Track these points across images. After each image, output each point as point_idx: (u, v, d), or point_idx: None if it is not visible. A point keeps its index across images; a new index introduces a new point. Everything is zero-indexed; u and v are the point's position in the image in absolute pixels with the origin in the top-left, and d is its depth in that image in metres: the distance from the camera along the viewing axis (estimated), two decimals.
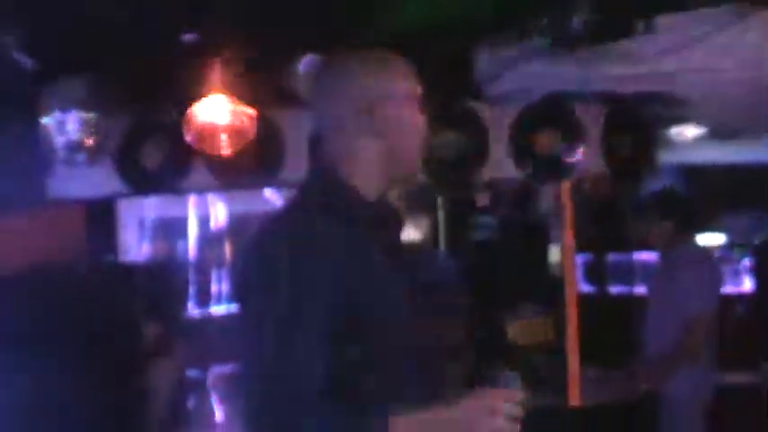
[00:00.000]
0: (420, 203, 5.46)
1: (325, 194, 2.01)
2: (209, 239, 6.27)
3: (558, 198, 4.55)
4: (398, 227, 2.16)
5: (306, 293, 1.82)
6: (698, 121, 5.45)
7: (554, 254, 4.82)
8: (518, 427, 1.79)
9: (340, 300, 1.85)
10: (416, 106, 2.05)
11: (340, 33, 3.92)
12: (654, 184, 5.05)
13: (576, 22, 3.07)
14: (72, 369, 3.63)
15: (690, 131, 5.70)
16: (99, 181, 4.22)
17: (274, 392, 1.79)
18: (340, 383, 1.84)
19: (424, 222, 5.64)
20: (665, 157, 6.47)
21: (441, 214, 5.97)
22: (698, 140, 5.84)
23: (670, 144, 5.89)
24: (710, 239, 7.45)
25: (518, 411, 1.78)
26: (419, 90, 2.06)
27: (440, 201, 5.95)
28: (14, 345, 3.64)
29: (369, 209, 2.03)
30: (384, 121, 2.00)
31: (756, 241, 7.03)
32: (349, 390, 1.86)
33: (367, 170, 2.02)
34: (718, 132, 5.80)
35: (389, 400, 1.85)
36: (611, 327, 4.70)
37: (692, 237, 4.73)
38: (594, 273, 6.21)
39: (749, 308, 6.45)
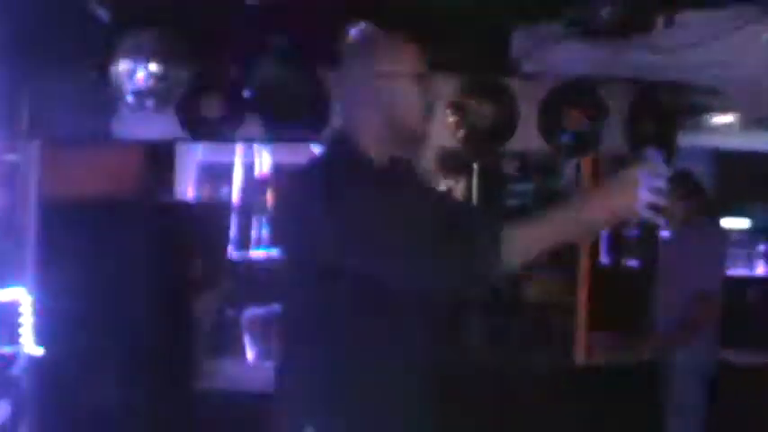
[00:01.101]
0: (455, 169, 5.71)
1: (341, 155, 2.33)
2: (252, 186, 6.55)
3: (581, 171, 4.81)
4: (413, 184, 2.41)
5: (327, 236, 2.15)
6: (730, 109, 5.67)
7: None
8: (662, 197, 1.97)
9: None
10: (418, 85, 2.28)
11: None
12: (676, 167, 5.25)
13: (602, 13, 3.34)
14: (129, 290, 4.04)
15: (723, 119, 5.91)
16: (162, 126, 4.58)
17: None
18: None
19: (459, 187, 5.89)
20: (698, 142, 6.70)
21: (475, 180, 6.23)
22: (730, 127, 6.04)
23: (703, 130, 6.11)
24: (734, 223, 7.65)
25: (661, 183, 1.97)
26: (423, 71, 2.29)
27: (475, 167, 6.20)
28: (81, 263, 4.05)
29: (377, 169, 2.29)
30: (384, 96, 2.29)
31: None
32: None
33: (372, 137, 2.32)
34: (750, 121, 6.01)
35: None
36: (625, 297, 4.95)
37: (703, 217, 4.92)
38: (613, 246, 6.47)
39: (761, 291, 6.66)
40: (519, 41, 4.44)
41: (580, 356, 4.48)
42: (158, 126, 4.62)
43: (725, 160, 7.75)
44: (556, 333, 4.63)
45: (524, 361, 4.54)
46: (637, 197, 1.95)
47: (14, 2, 3.87)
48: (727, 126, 6.05)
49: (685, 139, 6.72)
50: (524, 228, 2.07)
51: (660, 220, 1.95)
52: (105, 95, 4.29)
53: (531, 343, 4.61)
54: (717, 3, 3.82)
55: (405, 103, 2.30)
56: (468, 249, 2.08)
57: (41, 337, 4.23)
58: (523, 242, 2.07)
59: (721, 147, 7.31)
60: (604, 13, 3.31)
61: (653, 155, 1.98)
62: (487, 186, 6.18)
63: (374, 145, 2.32)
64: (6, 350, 4.33)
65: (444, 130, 4.65)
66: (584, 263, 4.52)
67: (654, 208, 1.95)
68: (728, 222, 7.47)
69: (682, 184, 4.93)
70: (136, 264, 4.17)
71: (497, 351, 4.54)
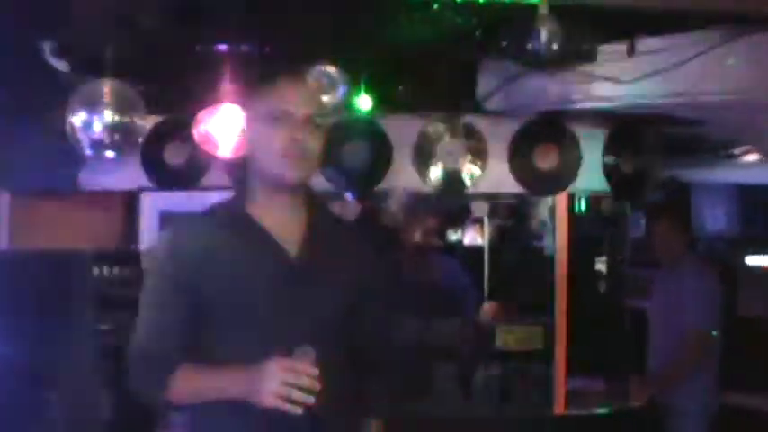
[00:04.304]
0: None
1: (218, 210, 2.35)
2: None
3: (554, 211, 4.66)
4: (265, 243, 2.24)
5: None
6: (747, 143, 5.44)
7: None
8: (297, 393, 1.99)
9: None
10: (280, 126, 2.17)
11: (345, 46, 4.19)
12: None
13: (537, 44, 3.21)
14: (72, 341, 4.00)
15: (744, 153, 5.70)
16: (125, 175, 4.56)
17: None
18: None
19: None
20: (722, 177, 6.49)
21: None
22: (754, 162, 5.82)
23: (726, 164, 5.92)
24: (763, 261, 7.37)
25: (297, 379, 2.00)
26: (296, 109, 2.18)
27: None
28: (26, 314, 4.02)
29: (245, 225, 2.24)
30: (245, 138, 2.31)
31: None
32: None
33: (251, 187, 2.28)
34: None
35: None
36: (607, 337, 4.77)
37: (693, 249, 4.74)
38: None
39: None
40: (484, 79, 4.35)
41: (560, 406, 4.28)
42: (127, 175, 4.61)
43: (748, 196, 7.49)
44: (533, 381, 4.44)
45: (499, 411, 4.36)
46: (262, 388, 2.01)
47: None
48: (753, 161, 5.83)
49: (704, 175, 6.57)
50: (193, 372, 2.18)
51: (290, 408, 2.00)
52: (66, 148, 4.26)
53: (506, 392, 4.43)
54: (678, 28, 3.69)
55: (262, 147, 2.21)
56: None
57: None
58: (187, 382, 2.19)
59: (743, 182, 7.09)
60: (532, 45, 3.17)
61: (301, 353, 2.04)
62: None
63: (252, 196, 2.26)
64: None
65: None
66: (559, 307, 4.34)
67: (287, 399, 2.00)
68: (753, 260, 7.24)
69: (671, 215, 4.78)
70: (82, 314, 4.13)
71: (470, 400, 4.38)
